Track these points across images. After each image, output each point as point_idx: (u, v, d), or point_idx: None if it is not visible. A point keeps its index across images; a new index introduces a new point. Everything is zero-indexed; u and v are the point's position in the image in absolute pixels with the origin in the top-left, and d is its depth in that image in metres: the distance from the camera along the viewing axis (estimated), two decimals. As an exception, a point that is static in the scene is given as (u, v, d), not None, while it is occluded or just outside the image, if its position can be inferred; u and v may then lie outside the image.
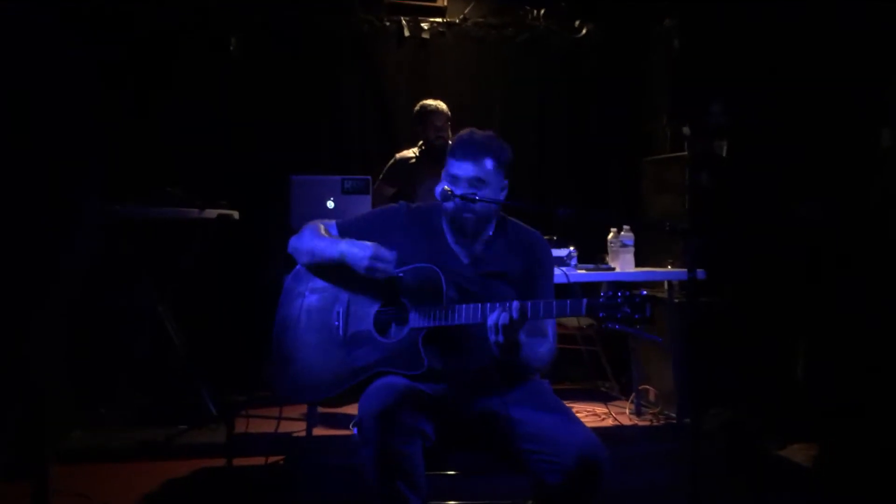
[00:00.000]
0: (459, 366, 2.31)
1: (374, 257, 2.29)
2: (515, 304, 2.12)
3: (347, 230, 2.46)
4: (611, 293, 2.04)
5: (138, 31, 4.68)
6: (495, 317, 2.13)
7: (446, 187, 2.34)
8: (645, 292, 2.04)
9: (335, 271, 2.40)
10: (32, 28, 3.26)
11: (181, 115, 4.80)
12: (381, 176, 4.56)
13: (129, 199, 4.14)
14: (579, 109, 5.51)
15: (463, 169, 2.32)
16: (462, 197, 2.31)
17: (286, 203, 3.80)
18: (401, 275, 2.35)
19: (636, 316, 2.01)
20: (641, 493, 3.22)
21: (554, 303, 2.14)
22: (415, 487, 2.10)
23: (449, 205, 2.34)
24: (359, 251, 2.31)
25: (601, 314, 2.04)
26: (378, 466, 2.07)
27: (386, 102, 5.31)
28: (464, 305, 2.23)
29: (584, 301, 2.07)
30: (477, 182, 2.32)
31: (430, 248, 2.38)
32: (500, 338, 2.13)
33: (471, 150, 2.33)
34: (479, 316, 2.19)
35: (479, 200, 2.31)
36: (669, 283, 4.18)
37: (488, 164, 2.33)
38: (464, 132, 2.41)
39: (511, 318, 2.11)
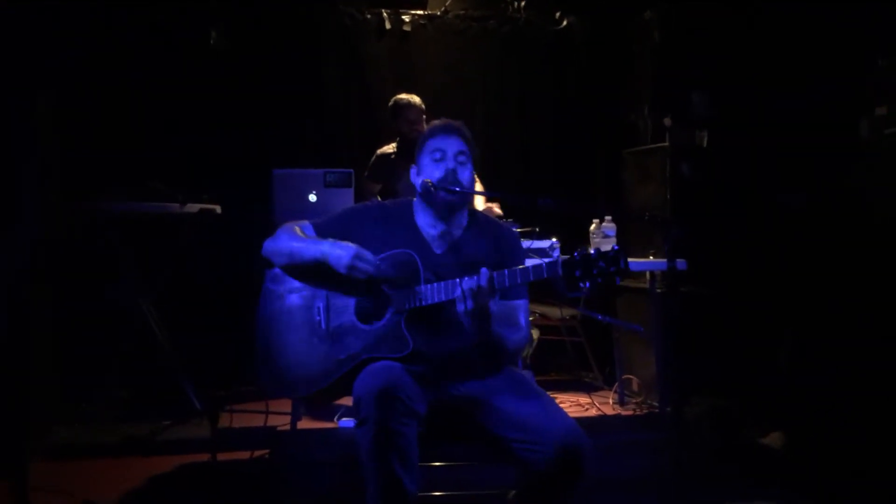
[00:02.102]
0: (443, 347, 2.33)
1: (357, 256, 2.30)
2: (484, 270, 2.15)
3: (324, 231, 2.48)
4: (584, 250, 2.05)
5: (117, 24, 4.64)
6: (465, 283, 2.16)
7: (427, 179, 2.36)
8: (617, 247, 2.04)
9: (312, 270, 2.41)
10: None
11: (161, 108, 4.76)
12: (365, 173, 4.56)
13: (110, 194, 4.11)
14: (561, 101, 5.51)
15: (449, 143, 2.40)
16: (447, 189, 2.35)
17: (268, 197, 3.80)
18: (377, 264, 2.37)
19: (611, 269, 2.03)
20: (625, 481, 3.24)
21: (530, 267, 2.15)
22: (410, 469, 2.11)
23: (432, 192, 2.36)
24: (342, 251, 2.32)
25: (577, 272, 2.06)
26: (375, 446, 2.08)
27: (368, 95, 5.29)
28: (441, 283, 2.26)
29: (559, 261, 2.09)
30: (462, 155, 2.40)
31: (405, 241, 2.41)
32: (469, 304, 2.15)
33: (451, 128, 2.42)
34: (457, 290, 2.21)
35: (457, 192, 2.34)
36: (651, 273, 4.21)
37: (465, 146, 2.42)
38: (437, 120, 2.49)
39: (479, 284, 2.13)
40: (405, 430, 2.09)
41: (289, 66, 5.11)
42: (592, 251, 2.05)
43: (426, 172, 2.41)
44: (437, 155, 2.40)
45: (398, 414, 2.08)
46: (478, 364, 2.36)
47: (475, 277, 2.15)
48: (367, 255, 2.32)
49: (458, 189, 2.34)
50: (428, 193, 2.38)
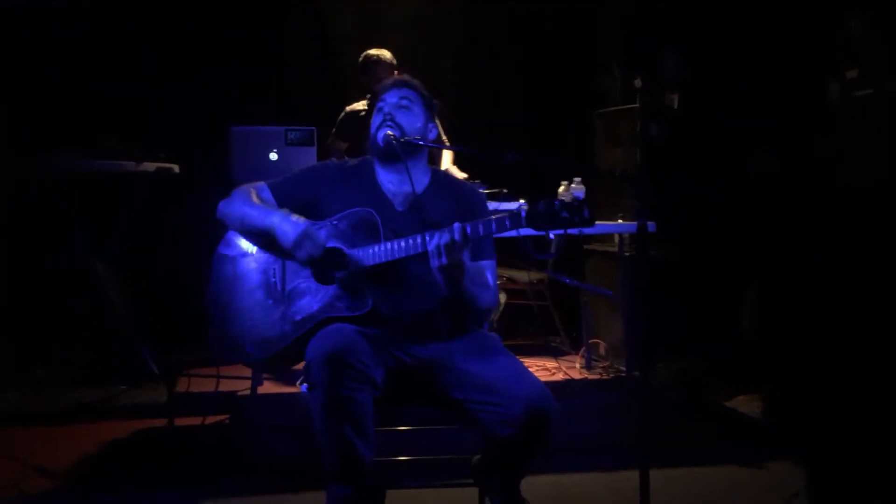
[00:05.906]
0: (405, 307, 2.26)
1: (305, 235, 2.23)
2: (457, 225, 2.09)
3: (280, 192, 2.39)
4: (547, 200, 2.01)
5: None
6: (437, 239, 2.09)
7: (389, 132, 2.31)
8: (581, 195, 2.03)
9: (264, 237, 2.33)
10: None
11: (116, 63, 4.59)
12: (333, 130, 4.43)
13: (62, 151, 3.96)
14: (531, 61, 5.42)
15: (388, 96, 2.40)
16: (403, 140, 2.30)
17: (227, 155, 3.67)
18: (335, 223, 2.30)
19: (575, 219, 2.01)
20: (590, 444, 3.24)
21: (493, 219, 2.10)
22: (363, 435, 2.05)
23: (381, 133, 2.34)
24: (289, 227, 2.24)
25: (541, 223, 2.02)
26: (326, 411, 2.01)
27: (332, 51, 5.17)
28: (403, 238, 2.19)
29: (524, 213, 2.05)
30: (405, 100, 2.38)
31: (365, 198, 2.33)
32: (444, 259, 2.09)
33: (393, 83, 2.43)
34: (420, 245, 2.14)
35: (423, 145, 2.27)
36: (620, 236, 4.16)
37: (410, 92, 2.40)
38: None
39: (453, 238, 2.08)
40: (357, 395, 2.03)
41: (250, 18, 4.95)
42: (556, 202, 2.01)
43: (373, 128, 2.38)
44: (379, 106, 2.39)
45: (348, 379, 2.01)
46: (442, 325, 2.29)
47: (445, 231, 2.08)
48: (318, 235, 2.24)
49: (397, 134, 2.31)
50: (373, 144, 2.35)
